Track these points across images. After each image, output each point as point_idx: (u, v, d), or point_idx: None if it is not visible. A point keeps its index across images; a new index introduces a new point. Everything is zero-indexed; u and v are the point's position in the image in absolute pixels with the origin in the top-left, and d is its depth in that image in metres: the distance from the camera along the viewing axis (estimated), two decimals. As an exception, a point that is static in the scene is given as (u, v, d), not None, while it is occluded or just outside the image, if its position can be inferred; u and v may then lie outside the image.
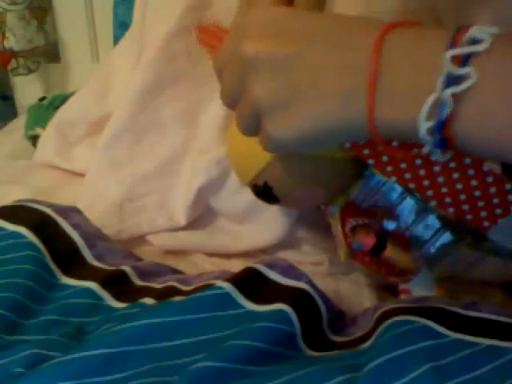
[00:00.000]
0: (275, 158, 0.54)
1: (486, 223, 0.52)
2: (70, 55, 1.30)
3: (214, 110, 0.80)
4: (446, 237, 0.55)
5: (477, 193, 0.51)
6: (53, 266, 0.60)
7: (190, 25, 0.83)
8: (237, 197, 0.75)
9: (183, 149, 0.81)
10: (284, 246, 0.75)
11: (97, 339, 0.49)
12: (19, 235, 0.61)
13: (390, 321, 0.48)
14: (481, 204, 0.51)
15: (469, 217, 0.52)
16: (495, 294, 0.60)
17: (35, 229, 0.61)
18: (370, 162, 0.50)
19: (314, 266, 0.72)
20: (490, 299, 0.60)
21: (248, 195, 0.74)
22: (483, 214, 0.52)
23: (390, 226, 0.56)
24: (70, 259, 0.61)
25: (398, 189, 0.55)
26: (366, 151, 0.50)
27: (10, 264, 0.58)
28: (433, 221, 0.55)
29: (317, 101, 0.37)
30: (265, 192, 0.57)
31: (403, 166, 0.50)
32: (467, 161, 0.50)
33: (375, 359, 0.44)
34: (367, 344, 0.49)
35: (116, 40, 1.11)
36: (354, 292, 0.66)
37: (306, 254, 0.74)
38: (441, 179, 0.51)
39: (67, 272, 0.60)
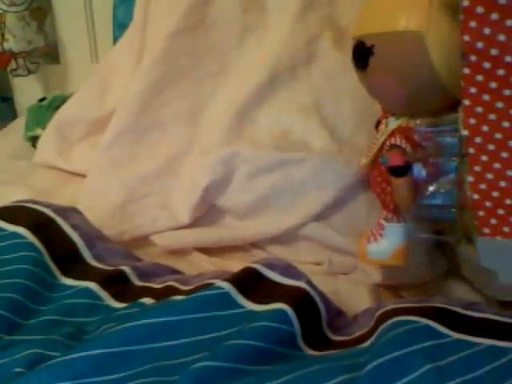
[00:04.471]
0: (404, 34, 0.53)
1: (486, 230, 0.51)
2: (70, 56, 1.30)
3: (219, 110, 0.80)
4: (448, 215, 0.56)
5: None
6: (52, 267, 0.60)
7: (193, 24, 0.83)
8: (242, 194, 0.76)
9: (185, 148, 0.81)
10: (285, 245, 0.75)
11: (96, 339, 0.49)
12: (19, 236, 0.61)
13: (391, 321, 0.48)
14: (501, 212, 0.50)
15: (481, 213, 0.51)
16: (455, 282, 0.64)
17: (35, 229, 0.61)
18: (466, 102, 0.48)
19: (314, 265, 0.73)
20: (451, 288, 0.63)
21: (253, 192, 0.75)
22: (494, 221, 0.51)
23: (420, 173, 0.56)
24: (69, 259, 0.61)
25: (454, 150, 0.54)
26: (473, 90, 0.48)
27: (9, 264, 0.58)
28: (451, 195, 0.55)
29: None
30: (363, 52, 0.56)
31: (485, 128, 0.49)
32: None
33: (376, 359, 0.44)
34: (367, 343, 0.49)
35: (115, 41, 1.11)
36: (354, 291, 0.66)
37: (305, 253, 0.74)
38: (505, 154, 0.49)
39: (67, 272, 0.61)
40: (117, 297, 0.58)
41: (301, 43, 0.80)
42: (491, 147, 0.49)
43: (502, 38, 0.46)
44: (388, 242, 0.61)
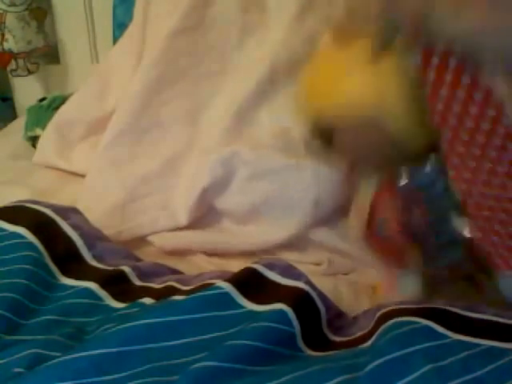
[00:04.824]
0: (360, 110, 0.52)
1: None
2: (70, 56, 1.30)
3: (219, 110, 0.80)
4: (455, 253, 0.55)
5: None
6: (52, 267, 0.60)
7: (193, 24, 0.83)
8: (241, 197, 0.76)
9: (185, 148, 0.81)
10: (285, 246, 0.75)
11: (96, 339, 0.50)
12: (19, 236, 0.61)
13: (391, 321, 0.48)
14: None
15: (489, 249, 0.51)
16: (457, 283, 0.61)
17: (35, 229, 0.61)
18: (452, 173, 0.49)
19: (314, 266, 0.73)
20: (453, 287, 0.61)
21: (253, 195, 0.75)
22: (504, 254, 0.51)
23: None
24: (69, 259, 0.61)
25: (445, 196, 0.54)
26: (456, 161, 0.49)
27: (9, 264, 0.58)
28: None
29: None
30: (324, 133, 0.55)
31: (467, 176, 0.49)
32: None
33: (376, 359, 0.44)
34: (367, 344, 0.49)
35: (115, 41, 1.11)
36: (353, 292, 0.66)
37: (306, 254, 0.74)
38: (492, 202, 0.49)
39: (66, 272, 0.61)
40: (117, 297, 0.58)
41: (300, 43, 0.80)
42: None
43: (473, 110, 0.46)
44: (405, 288, 0.60)
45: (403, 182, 0.55)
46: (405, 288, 0.60)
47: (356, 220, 0.61)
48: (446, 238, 0.55)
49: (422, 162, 0.55)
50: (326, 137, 0.55)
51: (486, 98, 0.46)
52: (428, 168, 0.54)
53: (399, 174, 0.56)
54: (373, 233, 0.59)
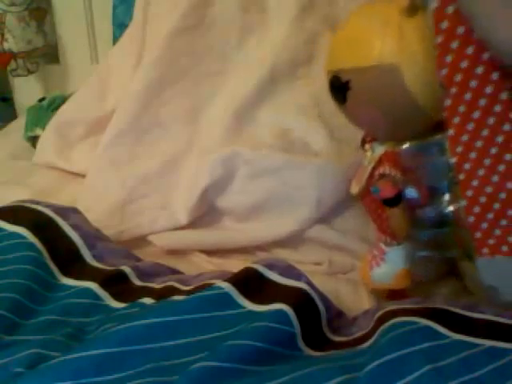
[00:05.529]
0: (378, 68, 0.53)
1: (485, 250, 0.52)
2: (70, 56, 1.30)
3: (219, 109, 0.80)
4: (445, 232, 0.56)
5: (510, 212, 0.50)
6: (52, 267, 0.60)
7: (193, 24, 0.83)
8: (243, 195, 0.76)
9: (185, 147, 0.81)
10: (285, 245, 0.75)
11: (96, 339, 0.49)
12: (19, 236, 0.61)
13: (391, 321, 0.48)
14: (497, 232, 0.51)
15: (478, 235, 0.51)
16: (449, 281, 0.62)
17: (35, 229, 0.61)
18: (451, 132, 0.49)
19: (314, 265, 0.73)
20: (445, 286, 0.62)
21: (254, 194, 0.75)
22: (491, 241, 0.51)
23: (411, 194, 0.56)
24: (69, 259, 0.61)
25: (444, 170, 0.54)
26: (457, 120, 0.48)
27: (9, 264, 0.58)
28: (447, 212, 0.55)
29: None
30: (340, 88, 0.55)
31: (473, 155, 0.49)
32: None
33: (376, 360, 0.44)
34: (367, 344, 0.49)
35: (115, 41, 1.11)
36: (354, 292, 0.66)
37: (306, 253, 0.74)
38: (495, 178, 0.50)
39: (67, 272, 0.61)
40: (117, 297, 0.58)
41: (301, 43, 0.80)
42: (481, 172, 0.50)
43: (479, 70, 0.47)
44: (390, 265, 0.61)
45: (406, 146, 0.56)
46: (390, 261, 0.60)
47: (357, 183, 0.61)
48: (436, 214, 0.56)
49: (427, 138, 0.55)
50: (342, 93, 0.55)
51: (493, 60, 0.46)
52: (430, 143, 0.55)
53: (405, 140, 0.56)
54: (368, 190, 0.59)
